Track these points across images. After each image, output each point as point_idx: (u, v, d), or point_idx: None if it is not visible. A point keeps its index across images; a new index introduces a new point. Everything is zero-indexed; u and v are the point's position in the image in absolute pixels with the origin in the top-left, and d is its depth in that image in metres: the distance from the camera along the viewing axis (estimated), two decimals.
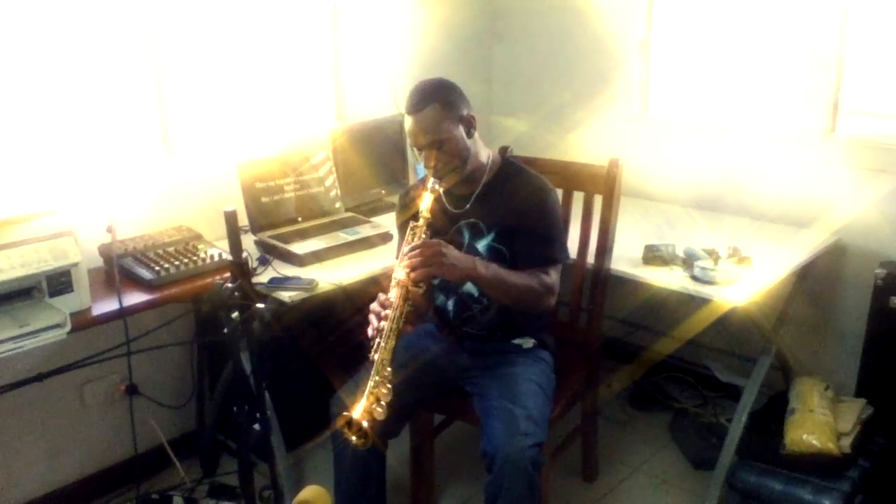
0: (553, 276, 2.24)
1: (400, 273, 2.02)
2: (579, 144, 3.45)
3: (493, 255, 2.25)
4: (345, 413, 1.84)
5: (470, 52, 3.66)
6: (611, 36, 3.34)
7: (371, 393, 1.85)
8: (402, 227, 2.32)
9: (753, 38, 3.02)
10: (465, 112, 2.20)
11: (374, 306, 2.05)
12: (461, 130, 2.19)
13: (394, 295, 2.00)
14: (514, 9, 3.65)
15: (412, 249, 2.03)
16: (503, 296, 2.20)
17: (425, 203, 2.12)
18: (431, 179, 2.16)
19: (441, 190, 2.20)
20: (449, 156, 2.17)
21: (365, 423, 1.80)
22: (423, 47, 3.44)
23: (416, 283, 2.02)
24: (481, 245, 2.26)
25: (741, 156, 3.07)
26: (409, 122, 2.17)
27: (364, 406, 1.83)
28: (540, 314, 2.38)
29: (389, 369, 1.91)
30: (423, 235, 2.10)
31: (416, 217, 2.15)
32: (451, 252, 2.07)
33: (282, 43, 3.05)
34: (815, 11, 2.81)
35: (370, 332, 2.02)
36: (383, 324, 1.97)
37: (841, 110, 2.83)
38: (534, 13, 3.57)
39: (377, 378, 1.88)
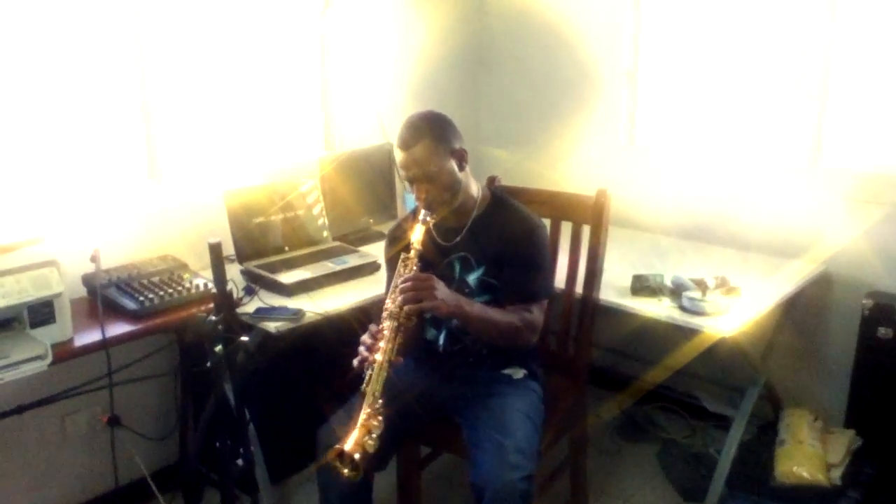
0: (536, 313, 2.24)
1: (393, 306, 2.03)
2: (567, 174, 3.46)
3: (485, 288, 2.25)
4: (336, 446, 1.84)
5: (457, 82, 3.68)
6: (597, 66, 3.36)
7: (363, 425, 1.86)
8: (392, 261, 2.31)
9: (739, 69, 3.05)
10: (456, 146, 2.21)
11: (366, 338, 2.06)
12: (452, 164, 2.19)
13: (385, 327, 2.01)
14: (502, 39, 3.68)
15: (405, 282, 2.04)
16: (485, 333, 2.21)
17: (416, 235, 2.13)
18: (423, 211, 2.16)
19: (432, 222, 2.20)
20: (440, 189, 2.17)
21: (357, 456, 1.81)
22: (410, 77, 3.46)
23: (408, 316, 2.03)
24: (472, 278, 2.26)
25: (728, 186, 3.08)
26: (400, 157, 2.18)
27: (356, 438, 1.84)
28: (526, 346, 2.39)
29: (381, 401, 1.92)
30: (415, 267, 2.10)
31: (407, 249, 2.14)
32: (441, 287, 2.08)
33: (270, 71, 3.05)
34: (799, 43, 2.84)
35: (356, 363, 2.02)
36: (376, 356, 1.97)
37: (826, 141, 2.85)
38: (521, 43, 3.60)
39: (368, 410, 1.89)
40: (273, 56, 3.06)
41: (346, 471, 1.83)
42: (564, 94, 3.50)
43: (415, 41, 3.46)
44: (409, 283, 2.03)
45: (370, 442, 1.85)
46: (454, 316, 2.15)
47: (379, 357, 1.97)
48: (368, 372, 1.97)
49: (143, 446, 2.63)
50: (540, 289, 2.27)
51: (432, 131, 2.16)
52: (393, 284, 2.10)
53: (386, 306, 2.06)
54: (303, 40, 3.16)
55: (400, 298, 2.02)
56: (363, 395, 1.93)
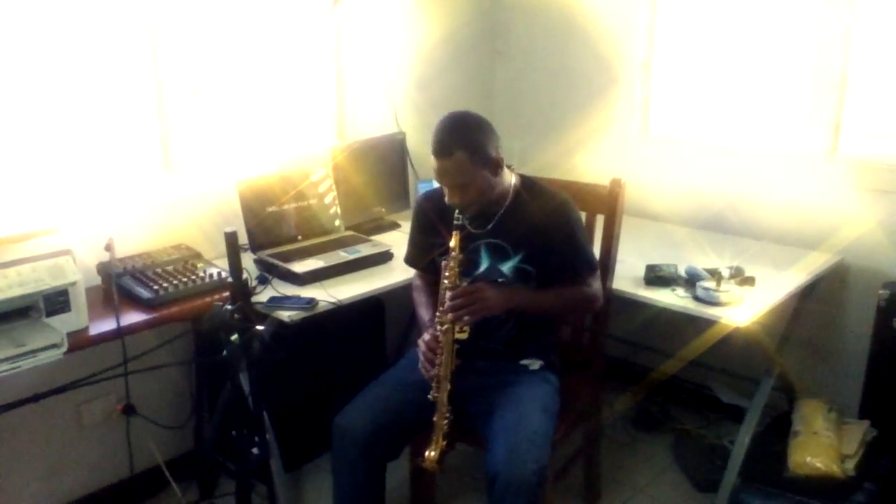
0: (594, 285, 2.32)
1: (445, 319, 2.13)
2: (581, 164, 3.45)
3: (519, 275, 2.26)
4: (421, 460, 2.16)
5: (472, 71, 3.67)
6: (612, 56, 3.34)
7: (438, 431, 2.14)
8: (420, 233, 2.42)
9: (756, 58, 3.02)
10: (492, 154, 2.17)
11: (426, 351, 2.20)
12: (487, 172, 2.17)
13: (442, 341, 2.14)
14: (516, 28, 3.66)
15: (454, 298, 2.11)
16: (547, 315, 2.33)
17: (454, 241, 2.14)
18: (457, 214, 2.15)
19: (465, 223, 2.22)
20: (473, 195, 2.17)
21: (437, 464, 2.13)
22: (425, 66, 3.44)
23: (462, 329, 2.15)
24: (506, 267, 2.26)
25: (743, 175, 3.06)
26: (434, 164, 2.15)
27: (438, 444, 2.14)
28: (548, 333, 2.42)
29: (450, 408, 2.15)
30: (457, 278, 2.15)
31: (446, 252, 2.16)
32: (490, 293, 2.15)
33: (283, 60, 3.05)
34: (817, 31, 2.81)
35: (423, 371, 2.20)
36: (439, 368, 2.15)
37: (843, 130, 2.83)
38: (535, 32, 3.58)
39: (443, 421, 2.14)
40: (286, 46, 3.05)
41: (434, 466, 2.14)
42: (579, 84, 3.48)
43: (429, 31, 3.44)
44: (458, 300, 2.11)
45: (443, 443, 2.13)
46: (507, 312, 2.24)
47: (442, 371, 2.14)
48: (434, 384, 2.15)
49: (158, 435, 2.64)
50: (590, 261, 2.33)
51: (467, 144, 2.11)
52: (440, 299, 2.17)
53: (438, 320, 2.17)
54: (316, 30, 3.15)
55: (451, 315, 2.11)
56: (434, 402, 2.15)
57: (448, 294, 2.13)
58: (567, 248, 2.26)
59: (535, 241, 2.24)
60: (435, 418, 2.14)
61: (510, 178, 2.30)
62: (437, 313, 2.18)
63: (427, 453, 2.14)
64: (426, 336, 2.23)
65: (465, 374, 2.29)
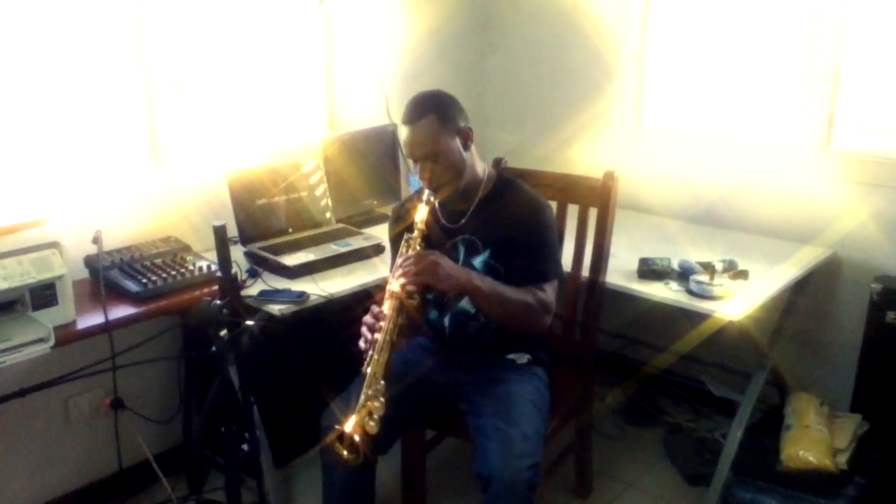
0: (549, 293, 2.21)
1: (394, 284, 2.01)
2: (573, 156, 3.43)
3: (490, 272, 2.22)
4: (336, 427, 1.83)
5: (464, 63, 3.64)
6: (605, 47, 3.32)
7: (364, 406, 1.84)
8: (396, 241, 2.30)
9: (749, 50, 3.01)
10: (461, 124, 2.17)
11: (368, 319, 2.04)
12: (457, 143, 2.16)
13: (387, 307, 1.99)
14: (508, 20, 3.63)
15: (406, 259, 2.02)
16: (498, 311, 2.17)
17: (420, 215, 2.11)
18: (427, 191, 2.13)
19: (436, 202, 2.17)
20: (444, 168, 2.14)
21: (357, 437, 1.79)
22: (416, 57, 3.42)
23: (409, 293, 2.01)
24: (477, 262, 2.23)
25: (736, 168, 3.05)
26: (404, 133, 2.15)
27: (356, 420, 1.82)
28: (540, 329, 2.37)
29: (382, 382, 1.90)
30: (419, 247, 2.09)
31: (410, 229, 2.13)
32: (447, 263, 2.06)
33: (273, 52, 3.02)
34: (810, 24, 2.80)
35: (362, 344, 2.01)
36: (377, 336, 1.96)
37: (836, 124, 2.82)
38: (528, 24, 3.56)
39: (369, 392, 1.87)
40: (276, 36, 3.02)
41: (345, 453, 1.82)
42: (571, 76, 3.46)
43: (421, 22, 3.42)
44: (410, 260, 2.01)
45: (371, 424, 1.83)
46: (463, 291, 2.14)
47: (380, 338, 1.95)
48: (370, 352, 1.95)
49: (146, 429, 2.62)
50: (550, 269, 2.24)
51: (437, 108, 2.13)
52: (396, 264, 2.07)
53: (388, 286, 2.04)
54: (306, 21, 3.12)
55: (401, 276, 2.00)
56: (364, 375, 1.92)
57: (401, 258, 2.06)
58: (529, 248, 2.19)
59: (503, 237, 2.20)
60: (363, 396, 1.86)
61: (484, 168, 2.28)
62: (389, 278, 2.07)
63: (343, 424, 1.81)
64: (373, 307, 2.07)
65: (451, 367, 2.28)
